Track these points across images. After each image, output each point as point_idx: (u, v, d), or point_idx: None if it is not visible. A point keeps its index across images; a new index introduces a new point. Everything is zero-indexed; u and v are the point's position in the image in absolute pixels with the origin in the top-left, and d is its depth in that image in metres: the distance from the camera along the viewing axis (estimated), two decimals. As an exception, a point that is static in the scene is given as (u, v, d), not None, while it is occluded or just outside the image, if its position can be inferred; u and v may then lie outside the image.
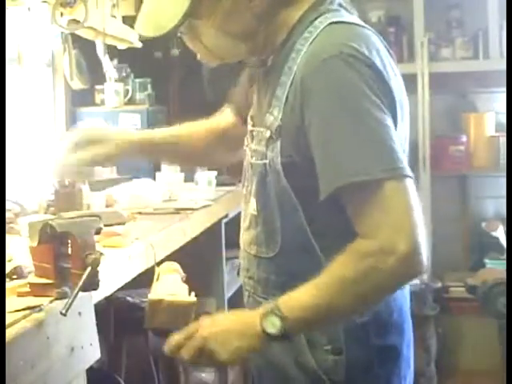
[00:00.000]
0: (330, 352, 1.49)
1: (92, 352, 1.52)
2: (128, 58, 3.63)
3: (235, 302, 2.99)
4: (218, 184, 3.32)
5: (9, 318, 1.33)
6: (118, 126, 3.41)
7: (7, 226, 2.07)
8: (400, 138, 1.42)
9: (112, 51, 3.19)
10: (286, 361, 1.53)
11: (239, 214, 1.67)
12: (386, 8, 4.35)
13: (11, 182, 2.54)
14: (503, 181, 3.69)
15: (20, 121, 3.12)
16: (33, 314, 1.37)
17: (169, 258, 2.11)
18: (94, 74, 3.47)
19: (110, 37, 2.92)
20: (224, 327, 1.41)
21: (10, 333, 1.28)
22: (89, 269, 1.33)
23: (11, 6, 2.53)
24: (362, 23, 1.48)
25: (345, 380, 1.50)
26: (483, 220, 4.32)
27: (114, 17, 2.96)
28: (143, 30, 1.54)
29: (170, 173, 3.27)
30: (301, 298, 1.37)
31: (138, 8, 1.62)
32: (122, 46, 3.02)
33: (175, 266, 1.83)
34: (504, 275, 3.47)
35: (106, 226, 1.71)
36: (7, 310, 1.37)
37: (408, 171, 1.36)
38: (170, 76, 4.11)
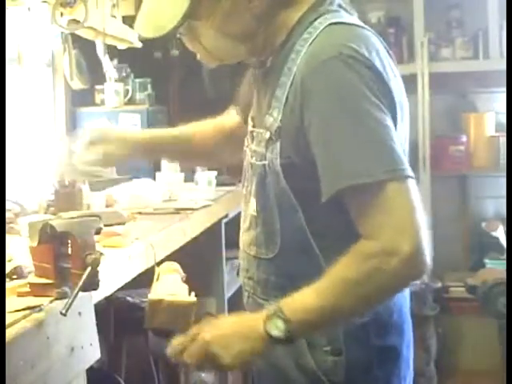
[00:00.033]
0: (330, 353, 1.49)
1: (92, 352, 1.52)
2: (128, 58, 3.63)
3: (235, 302, 2.99)
4: (218, 184, 3.32)
5: (9, 318, 1.33)
6: (118, 126, 3.41)
7: (7, 226, 2.07)
8: (400, 139, 1.42)
9: (112, 51, 3.19)
10: (286, 362, 1.52)
11: (239, 214, 1.67)
12: (386, 9, 4.34)
13: (11, 181, 2.54)
14: (503, 181, 3.69)
15: (20, 121, 3.12)
16: (33, 313, 1.37)
17: (169, 257, 2.11)
18: (94, 74, 3.47)
19: (109, 37, 2.93)
20: (227, 331, 1.41)
21: (9, 333, 1.28)
22: (89, 269, 1.33)
23: (11, 6, 2.53)
24: (362, 24, 1.47)
25: (344, 381, 1.49)
26: (483, 220, 4.32)
27: (114, 17, 2.96)
28: (142, 30, 1.54)
29: (170, 173, 3.27)
30: (304, 300, 1.37)
31: (137, 8, 1.62)
32: (121, 46, 3.02)
33: (175, 266, 1.83)
34: (504, 275, 3.46)
35: (106, 225, 1.71)
36: (7, 310, 1.37)
37: (409, 172, 1.36)
38: (169, 76, 4.11)
